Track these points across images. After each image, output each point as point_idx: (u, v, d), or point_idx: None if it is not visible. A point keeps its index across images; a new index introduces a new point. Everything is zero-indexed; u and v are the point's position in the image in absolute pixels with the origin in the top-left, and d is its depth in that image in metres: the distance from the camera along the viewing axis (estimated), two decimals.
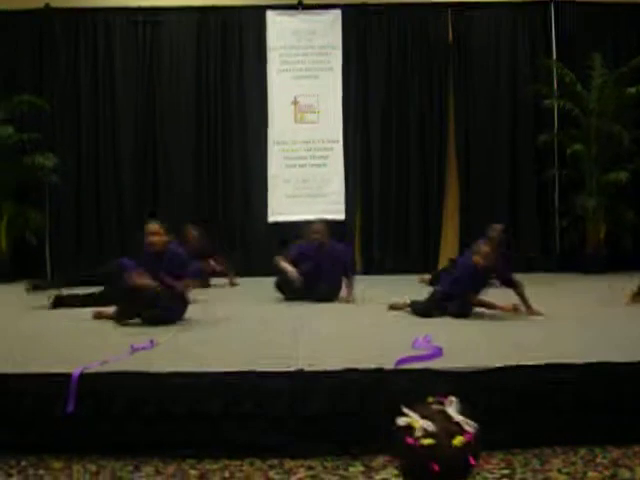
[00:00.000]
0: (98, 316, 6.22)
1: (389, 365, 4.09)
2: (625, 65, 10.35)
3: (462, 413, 1.91)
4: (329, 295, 7.43)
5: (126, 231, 10.59)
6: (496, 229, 7.89)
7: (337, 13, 11.04)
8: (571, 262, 10.65)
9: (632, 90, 10.25)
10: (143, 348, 4.69)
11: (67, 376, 3.97)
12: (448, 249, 10.68)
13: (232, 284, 9.26)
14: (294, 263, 7.46)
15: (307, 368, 4.02)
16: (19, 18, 10.86)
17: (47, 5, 10.86)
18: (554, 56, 11.01)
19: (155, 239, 6.13)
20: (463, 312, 6.18)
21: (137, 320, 5.94)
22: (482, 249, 6.27)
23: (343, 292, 7.53)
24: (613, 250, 10.53)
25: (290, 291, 7.45)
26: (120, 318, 5.99)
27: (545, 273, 10.48)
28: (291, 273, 7.34)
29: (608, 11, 10.94)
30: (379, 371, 4.04)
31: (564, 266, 10.67)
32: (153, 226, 6.22)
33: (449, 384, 3.94)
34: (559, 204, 10.98)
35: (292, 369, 4.01)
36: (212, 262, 9.13)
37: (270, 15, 11.06)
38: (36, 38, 10.93)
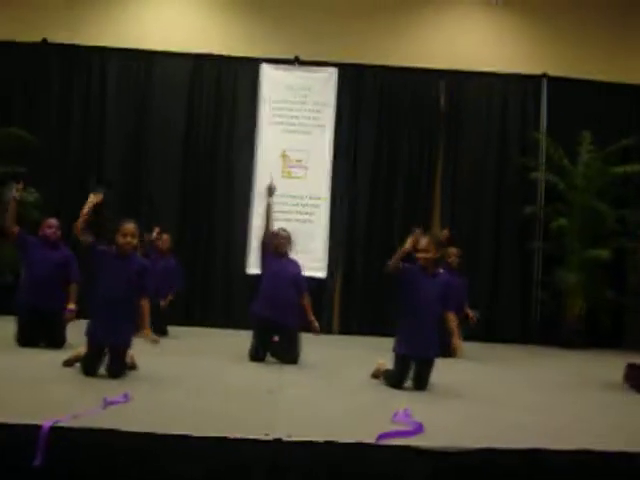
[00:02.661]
0: (68, 364, 6.02)
1: (368, 438, 3.98)
2: (613, 144, 10.49)
3: None
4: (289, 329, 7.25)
5: None
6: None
7: (332, 71, 11.14)
8: (549, 335, 10.65)
9: (619, 170, 10.38)
10: (117, 402, 4.55)
11: (37, 428, 3.83)
12: None
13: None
14: None
15: (286, 438, 3.90)
16: (15, 50, 10.89)
17: (44, 40, 10.88)
18: (543, 129, 11.15)
19: (131, 241, 5.78)
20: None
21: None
22: (421, 242, 5.93)
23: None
24: (591, 326, 10.53)
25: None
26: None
27: (522, 345, 10.50)
28: None
29: (599, 89, 11.16)
30: (360, 445, 3.93)
31: (542, 339, 10.67)
32: (132, 227, 5.83)
33: (430, 463, 3.86)
34: (540, 276, 11.00)
35: (270, 438, 3.88)
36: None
37: (265, 68, 11.14)
38: (30, 71, 10.95)
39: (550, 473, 3.97)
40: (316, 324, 7.42)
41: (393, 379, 6.00)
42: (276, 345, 7.29)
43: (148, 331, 5.88)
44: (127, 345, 5.81)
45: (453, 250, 8.82)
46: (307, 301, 7.47)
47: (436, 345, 5.98)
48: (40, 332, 7.22)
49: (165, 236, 9.37)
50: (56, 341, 7.19)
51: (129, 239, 5.77)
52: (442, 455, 3.91)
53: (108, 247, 5.89)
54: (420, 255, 5.96)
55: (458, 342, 6.03)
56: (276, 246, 7.42)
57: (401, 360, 5.98)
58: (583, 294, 10.55)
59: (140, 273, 5.89)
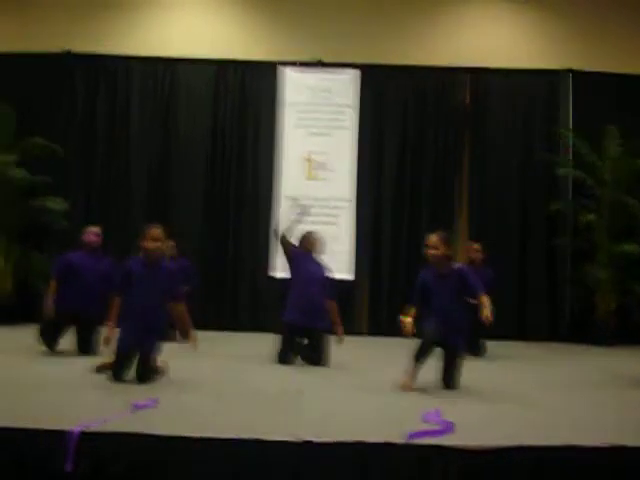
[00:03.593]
0: (99, 370, 6.06)
1: (398, 438, 3.94)
2: None
3: None
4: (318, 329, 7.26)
5: None
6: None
7: (355, 73, 11.12)
8: (579, 332, 10.52)
9: None
10: (145, 406, 4.56)
11: (67, 433, 3.84)
12: None
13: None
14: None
15: (314, 439, 3.88)
16: (39, 61, 10.98)
17: (68, 51, 10.98)
18: (570, 124, 11.04)
19: (160, 246, 5.77)
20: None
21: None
22: (430, 238, 5.92)
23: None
24: (623, 323, 10.39)
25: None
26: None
27: (553, 342, 10.40)
28: None
29: (625, 83, 10.99)
30: (389, 445, 3.90)
31: (572, 336, 10.56)
32: (159, 231, 5.79)
33: (461, 462, 3.82)
34: (570, 273, 10.89)
35: (299, 439, 3.86)
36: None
37: (288, 71, 11.15)
38: (55, 82, 11.05)
39: (581, 470, 3.91)
40: (341, 329, 7.39)
41: (417, 347, 5.87)
42: (305, 348, 7.28)
43: (193, 336, 5.92)
44: (153, 351, 5.82)
45: (475, 246, 8.78)
46: (334, 305, 7.44)
47: (461, 338, 5.99)
48: (66, 331, 7.35)
49: (170, 243, 8.96)
50: (87, 347, 7.24)
51: (158, 244, 5.75)
52: (473, 454, 3.87)
53: (134, 256, 5.93)
54: (429, 252, 5.92)
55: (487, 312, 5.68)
56: (309, 245, 7.42)
57: (426, 336, 5.87)
58: (613, 290, 10.41)
59: (170, 278, 5.88)
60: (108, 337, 5.80)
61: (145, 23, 11.34)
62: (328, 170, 11.08)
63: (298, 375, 6.53)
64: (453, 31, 11.38)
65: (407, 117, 11.24)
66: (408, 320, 5.93)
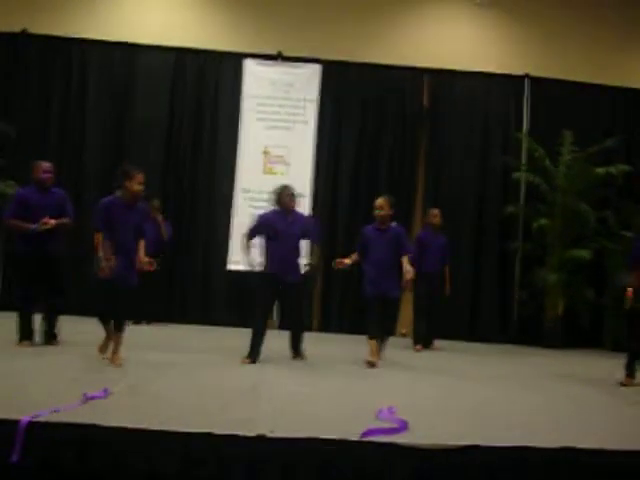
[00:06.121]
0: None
1: (352, 435, 3.93)
2: (595, 145, 10.50)
3: None
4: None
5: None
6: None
7: (316, 68, 11.09)
8: (528, 335, 10.66)
9: (600, 170, 10.40)
10: (96, 397, 4.48)
11: (14, 423, 3.75)
12: (408, 314, 10.47)
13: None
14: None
15: (268, 434, 3.85)
16: None
17: (24, 30, 10.73)
18: (525, 129, 11.16)
19: (142, 190, 6.23)
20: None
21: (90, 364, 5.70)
22: (377, 201, 7.07)
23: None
24: (570, 326, 10.55)
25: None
26: None
27: (502, 344, 10.51)
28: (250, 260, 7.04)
29: (581, 90, 11.18)
30: (343, 442, 3.88)
31: (520, 338, 10.69)
32: (142, 176, 6.25)
33: (413, 461, 3.82)
34: (520, 276, 11.02)
35: (253, 434, 3.83)
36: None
37: (249, 63, 11.06)
38: (9, 62, 10.80)
39: (533, 470, 3.94)
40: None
41: (370, 318, 6.99)
42: None
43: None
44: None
45: (434, 211, 9.19)
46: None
47: (396, 287, 7.06)
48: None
49: (156, 202, 10.06)
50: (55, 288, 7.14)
51: (142, 187, 6.21)
52: (425, 452, 3.88)
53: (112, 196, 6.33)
54: (377, 213, 7.04)
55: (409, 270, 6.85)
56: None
57: (371, 301, 7.00)
58: (563, 294, 10.57)
59: (143, 218, 6.42)
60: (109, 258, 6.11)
61: (105, 6, 11.12)
62: (285, 164, 11.04)
63: (253, 370, 6.49)
64: (414, 32, 11.43)
65: (366, 115, 11.25)
66: (345, 260, 7.28)
